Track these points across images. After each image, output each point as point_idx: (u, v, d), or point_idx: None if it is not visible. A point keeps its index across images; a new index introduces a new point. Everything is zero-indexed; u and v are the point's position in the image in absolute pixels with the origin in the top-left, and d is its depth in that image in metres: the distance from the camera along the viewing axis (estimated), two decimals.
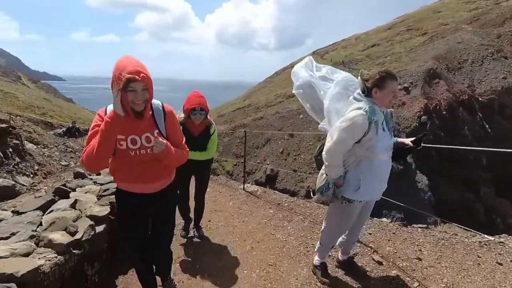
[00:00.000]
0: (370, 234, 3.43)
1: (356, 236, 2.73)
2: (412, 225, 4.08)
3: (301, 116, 14.18)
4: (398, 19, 25.73)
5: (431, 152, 15.31)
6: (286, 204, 4.39)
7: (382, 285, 2.57)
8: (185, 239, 3.47)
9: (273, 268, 2.84)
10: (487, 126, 15.49)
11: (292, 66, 31.20)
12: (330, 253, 2.98)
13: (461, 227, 4.50)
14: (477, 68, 16.79)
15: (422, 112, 15.04)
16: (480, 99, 15.98)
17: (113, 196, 3.02)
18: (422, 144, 2.41)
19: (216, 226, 3.76)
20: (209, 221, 3.85)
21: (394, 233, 3.51)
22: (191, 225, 3.65)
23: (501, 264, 3.15)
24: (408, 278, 2.62)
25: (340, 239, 2.79)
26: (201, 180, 3.48)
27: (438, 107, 15.55)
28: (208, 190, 4.67)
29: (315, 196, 2.57)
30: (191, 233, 3.62)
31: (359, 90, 2.23)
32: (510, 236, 4.55)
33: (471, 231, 5.02)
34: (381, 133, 2.16)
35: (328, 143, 2.21)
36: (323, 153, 2.24)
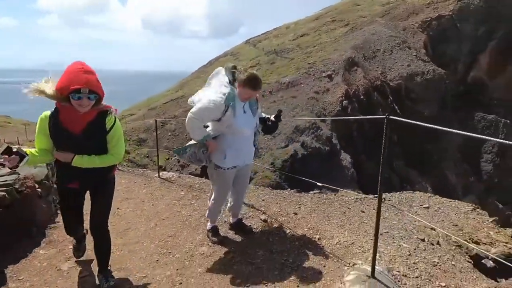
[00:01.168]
0: (263, 200, 4.05)
1: (240, 199, 3.28)
2: (304, 192, 4.86)
3: None
4: (323, 10, 28.04)
5: (352, 134, 17.35)
6: (197, 186, 4.81)
7: (263, 236, 3.16)
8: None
9: (172, 238, 3.25)
10: (396, 107, 18.11)
11: (226, 55, 31.64)
12: (225, 219, 3.48)
13: (353, 192, 5.47)
14: (388, 56, 19.35)
15: (343, 97, 16.86)
16: (390, 84, 18.55)
17: None
18: (281, 119, 3.01)
19: (124, 212, 3.98)
20: (118, 208, 4.05)
21: (284, 197, 4.20)
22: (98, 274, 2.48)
23: (363, 211, 4.04)
24: (283, 229, 3.27)
25: (228, 205, 3.30)
26: (99, 200, 2.37)
27: (357, 92, 17.60)
28: (122, 181, 4.71)
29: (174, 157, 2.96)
30: (97, 281, 2.46)
31: (227, 79, 2.73)
32: (390, 194, 5.71)
33: (360, 193, 6.11)
34: (240, 115, 2.69)
35: (189, 113, 2.68)
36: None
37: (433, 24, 22.92)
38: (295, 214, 3.63)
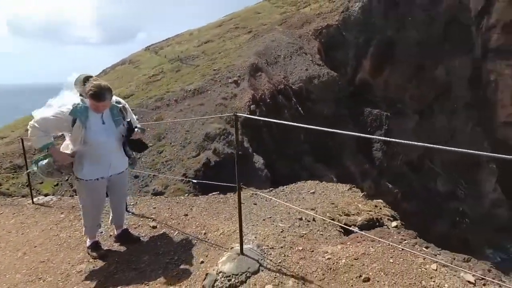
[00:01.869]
0: (154, 208, 4.12)
1: (119, 210, 3.29)
2: (204, 195, 5.10)
3: (136, 116, 14.01)
4: (226, 17, 29.31)
5: (262, 136, 18.54)
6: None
7: (151, 242, 3.24)
8: None
9: (44, 264, 3.05)
10: (300, 108, 20.13)
11: (124, 62, 29.92)
12: (111, 233, 3.42)
13: (255, 190, 5.95)
14: (288, 62, 21.36)
15: (251, 102, 17.87)
16: (293, 87, 20.51)
17: None
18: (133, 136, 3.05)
19: None
20: None
21: (178, 202, 4.35)
22: None
23: (255, 204, 4.47)
24: (172, 230, 3.42)
25: (110, 218, 3.27)
26: None
27: (263, 96, 18.89)
28: None
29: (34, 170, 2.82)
30: None
31: (76, 90, 2.74)
32: (285, 186, 6.36)
33: (262, 191, 6.61)
34: (95, 126, 2.74)
35: (30, 122, 2.63)
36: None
37: (323, 32, 26.31)
38: (186, 215, 3.83)
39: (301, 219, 4.00)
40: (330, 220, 4.49)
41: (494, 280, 2.45)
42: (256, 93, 18.09)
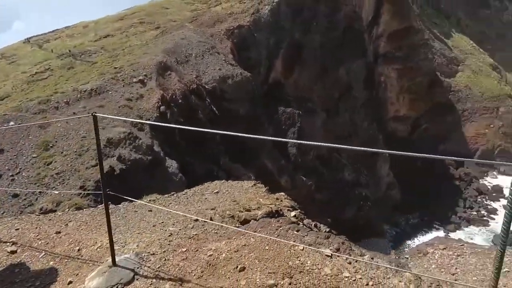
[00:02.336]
0: (17, 229, 3.49)
1: None
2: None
3: (12, 123, 11.77)
4: (128, 11, 27.12)
5: (175, 139, 17.74)
6: None
7: (6, 270, 2.67)
8: None
9: None
10: (214, 108, 19.95)
11: None
12: None
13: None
14: (200, 61, 20.93)
15: (160, 103, 16.86)
16: (206, 87, 20.19)
17: None
18: None
19: None
20: None
21: (50, 219, 3.72)
22: None
23: (150, 210, 4.07)
24: (37, 252, 3.01)
25: None
26: None
27: (174, 97, 18.04)
28: None
29: None
30: None
31: None
32: (187, 189, 6.00)
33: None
34: None
35: None
36: None
37: (235, 32, 26.68)
38: (58, 233, 3.31)
39: (196, 220, 3.81)
40: (230, 217, 4.40)
41: (344, 253, 2.87)
42: (166, 93, 17.18)
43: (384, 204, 33.32)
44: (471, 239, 27.43)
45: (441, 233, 29.25)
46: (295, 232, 3.23)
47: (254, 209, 4.72)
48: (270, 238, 3.00)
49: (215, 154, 20.02)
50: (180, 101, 17.99)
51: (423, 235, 29.32)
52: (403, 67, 40.74)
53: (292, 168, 26.47)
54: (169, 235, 3.28)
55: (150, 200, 4.97)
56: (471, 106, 45.86)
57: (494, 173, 41.56)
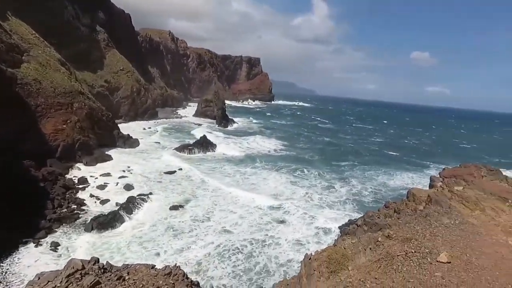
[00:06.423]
0: None
1: None
2: None
3: None
4: None
5: None
6: None
7: None
8: None
9: None
10: None
11: None
12: None
13: None
14: None
15: None
16: None
17: None
18: None
19: None
20: None
21: None
22: None
23: None
24: None
25: None
26: None
27: None
28: None
29: None
30: None
31: None
32: None
33: None
34: None
35: None
36: None
37: None
38: None
39: None
40: None
41: None
42: None
43: None
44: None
45: (32, 246, 26.78)
46: None
47: None
48: None
49: None
50: None
51: (12, 255, 25.14)
52: None
53: None
54: None
55: None
56: (45, 101, 45.94)
57: (78, 165, 45.44)
